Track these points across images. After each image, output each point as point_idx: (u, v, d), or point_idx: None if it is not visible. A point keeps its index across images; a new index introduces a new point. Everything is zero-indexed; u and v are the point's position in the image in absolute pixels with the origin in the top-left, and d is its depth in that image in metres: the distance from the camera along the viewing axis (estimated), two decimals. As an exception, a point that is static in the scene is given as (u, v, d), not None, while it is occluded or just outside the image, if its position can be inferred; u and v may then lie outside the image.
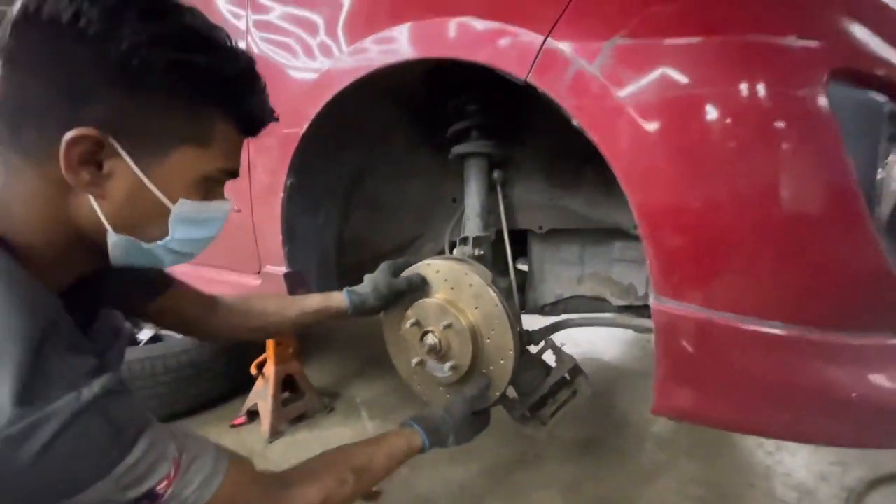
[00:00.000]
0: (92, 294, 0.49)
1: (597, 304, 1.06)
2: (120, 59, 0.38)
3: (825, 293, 0.50)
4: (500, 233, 1.01)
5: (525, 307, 1.11)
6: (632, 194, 0.54)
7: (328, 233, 1.04)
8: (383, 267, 0.85)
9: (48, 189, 0.40)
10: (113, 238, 0.43)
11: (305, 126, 0.84)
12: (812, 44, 0.48)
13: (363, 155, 1.03)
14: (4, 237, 0.38)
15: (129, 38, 0.37)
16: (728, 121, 0.49)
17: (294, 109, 0.84)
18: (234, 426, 1.28)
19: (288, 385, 1.33)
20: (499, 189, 0.98)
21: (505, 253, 1.00)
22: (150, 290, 0.63)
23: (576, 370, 0.94)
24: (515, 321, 0.84)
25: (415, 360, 0.83)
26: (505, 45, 0.59)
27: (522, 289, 1.12)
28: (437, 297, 0.83)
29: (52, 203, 0.40)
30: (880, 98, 0.48)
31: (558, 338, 0.96)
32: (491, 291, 0.80)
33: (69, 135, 0.38)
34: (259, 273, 1.06)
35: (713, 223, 0.51)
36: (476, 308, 0.82)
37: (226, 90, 0.44)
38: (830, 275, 0.50)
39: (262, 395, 1.26)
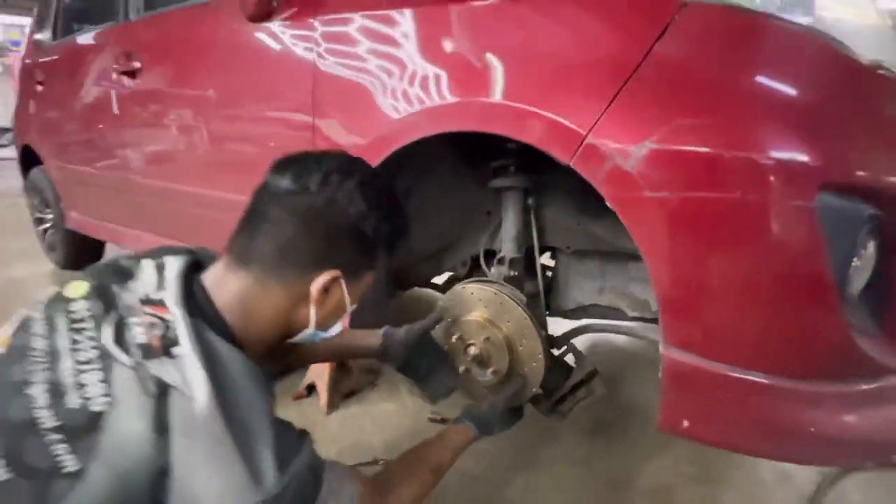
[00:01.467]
0: None
1: (613, 312, 1.20)
2: (369, 233, 0.59)
3: (799, 353, 0.64)
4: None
5: (549, 310, 1.26)
6: (652, 271, 0.67)
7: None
8: (419, 329, 0.97)
9: (287, 302, 0.58)
10: (309, 331, 0.61)
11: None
12: (807, 160, 0.59)
13: (410, 179, 1.15)
14: (231, 330, 0.54)
15: (375, 220, 0.59)
16: (733, 223, 0.61)
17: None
18: (295, 399, 1.50)
19: (339, 364, 1.53)
20: (532, 213, 1.11)
21: (533, 260, 1.15)
22: None
23: (592, 373, 1.10)
24: (542, 329, 1.00)
25: (461, 369, 0.99)
26: (553, 134, 0.70)
27: (548, 292, 1.26)
28: (475, 315, 0.99)
29: (285, 311, 0.59)
30: (862, 204, 0.59)
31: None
32: (520, 308, 0.95)
33: (327, 275, 0.58)
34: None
35: (713, 299, 0.65)
36: (508, 322, 0.98)
37: (405, 239, 0.66)
38: (804, 340, 0.64)
39: (320, 374, 1.47)
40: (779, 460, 0.82)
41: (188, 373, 0.45)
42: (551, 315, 1.26)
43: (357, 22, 0.97)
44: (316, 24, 1.02)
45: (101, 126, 1.82)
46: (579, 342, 1.14)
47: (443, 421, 1.40)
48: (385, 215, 0.60)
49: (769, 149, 0.59)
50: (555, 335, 1.13)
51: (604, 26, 0.70)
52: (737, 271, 0.63)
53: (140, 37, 1.58)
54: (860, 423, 0.64)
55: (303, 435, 0.54)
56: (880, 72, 0.63)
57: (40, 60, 2.39)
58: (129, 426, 0.43)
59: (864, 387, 0.64)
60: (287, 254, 0.56)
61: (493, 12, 0.80)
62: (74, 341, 0.47)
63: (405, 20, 0.90)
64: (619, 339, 1.96)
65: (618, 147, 0.65)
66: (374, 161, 0.93)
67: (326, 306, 0.60)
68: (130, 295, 0.50)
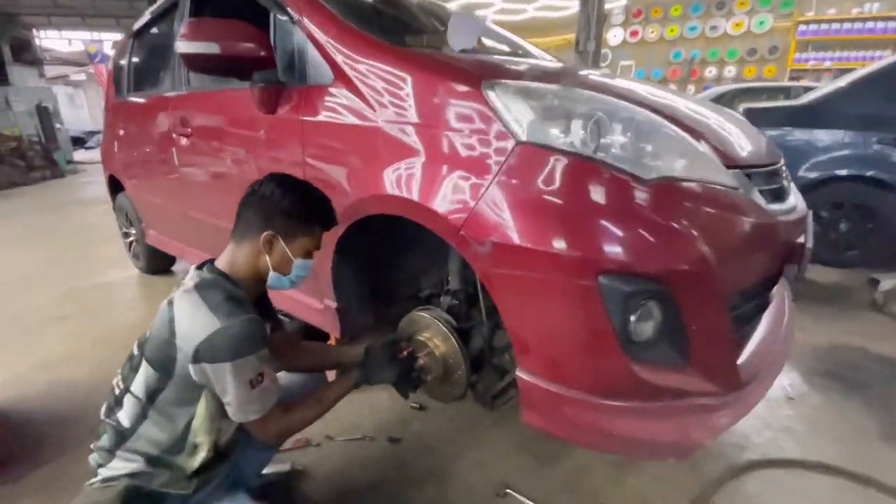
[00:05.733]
0: (264, 311, 1.11)
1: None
2: (287, 209, 1.00)
3: (594, 378, 0.94)
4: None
5: (500, 326, 1.57)
6: (504, 316, 0.99)
7: (361, 280, 1.56)
8: (390, 341, 1.32)
9: (252, 253, 1.01)
10: (271, 274, 1.02)
11: (342, 231, 1.33)
12: (588, 255, 0.88)
13: (389, 226, 1.49)
14: (233, 278, 0.99)
15: (289, 201, 1.00)
16: (547, 294, 0.92)
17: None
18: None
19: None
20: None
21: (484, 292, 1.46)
22: (277, 326, 1.23)
23: (521, 377, 1.42)
24: (464, 349, 1.30)
25: (413, 374, 1.34)
26: (443, 226, 1.03)
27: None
28: (422, 335, 1.34)
29: (252, 259, 1.01)
30: (625, 285, 0.87)
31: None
32: (449, 333, 1.28)
33: (264, 235, 0.99)
34: (322, 303, 1.62)
35: (542, 341, 0.96)
36: (442, 342, 1.31)
37: (323, 216, 1.06)
38: (596, 370, 0.93)
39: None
40: (590, 449, 1.11)
41: (189, 283, 0.96)
42: (501, 329, 1.58)
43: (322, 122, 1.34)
44: (300, 119, 1.40)
45: (166, 171, 2.32)
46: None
47: (420, 408, 1.77)
48: (295, 198, 1.01)
49: (565, 249, 0.89)
50: (496, 346, 1.45)
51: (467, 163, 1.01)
52: (553, 325, 0.93)
53: (191, 107, 2.03)
54: (641, 429, 0.93)
55: (253, 321, 0.91)
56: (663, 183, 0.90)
57: (119, 108, 2.96)
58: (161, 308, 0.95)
59: (647, 404, 0.93)
60: (247, 226, 1.02)
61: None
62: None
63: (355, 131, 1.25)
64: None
65: (477, 239, 0.97)
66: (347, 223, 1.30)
67: (274, 256, 1.01)
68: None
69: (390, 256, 1.63)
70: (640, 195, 0.90)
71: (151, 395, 0.94)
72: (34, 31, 11.86)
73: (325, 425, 1.60)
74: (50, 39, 13.54)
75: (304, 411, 1.05)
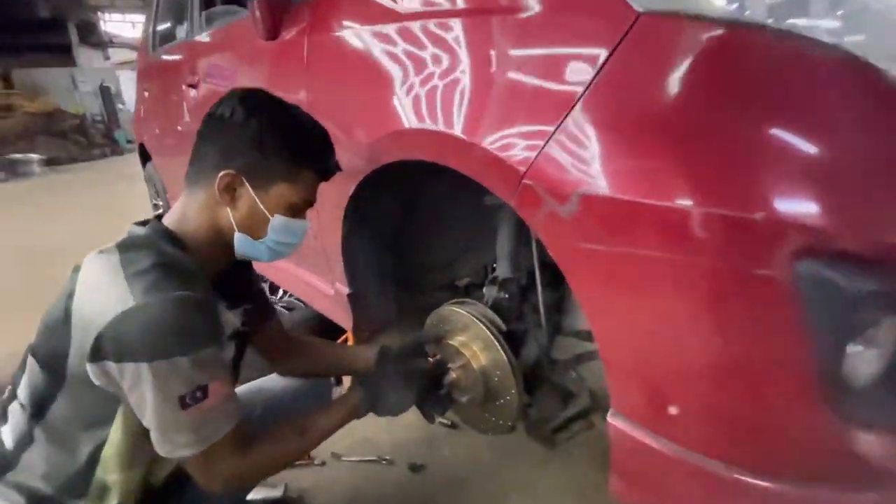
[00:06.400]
0: (237, 293, 0.77)
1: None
2: (256, 138, 0.65)
3: (765, 446, 0.52)
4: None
5: (560, 330, 1.17)
6: (594, 330, 0.59)
7: (382, 260, 1.20)
8: (411, 343, 0.98)
9: (208, 203, 0.69)
10: (237, 235, 0.68)
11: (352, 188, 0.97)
12: (777, 218, 0.46)
13: (412, 190, 1.12)
14: (181, 238, 0.67)
15: (256, 126, 0.65)
16: (684, 289, 0.51)
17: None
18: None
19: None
20: (533, 233, 1.02)
21: (543, 282, 1.06)
22: (265, 313, 0.89)
23: (594, 405, 1.02)
24: (514, 361, 0.91)
25: (443, 392, 0.97)
26: (493, 171, 0.64)
27: (559, 311, 1.17)
28: (455, 339, 0.96)
29: (209, 212, 0.69)
30: (843, 281, 0.45)
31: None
32: (494, 340, 0.90)
33: (220, 174, 0.66)
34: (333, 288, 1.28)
35: (660, 370, 0.55)
36: (483, 351, 0.93)
37: (311, 152, 0.70)
38: (772, 432, 0.52)
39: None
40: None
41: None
42: (564, 335, 1.18)
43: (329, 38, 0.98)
44: (304, 41, 1.04)
45: (180, 130, 2.07)
46: (594, 365, 1.05)
47: (452, 426, 1.41)
48: (266, 121, 0.66)
49: (728, 208, 0.47)
50: (558, 359, 1.06)
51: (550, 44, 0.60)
52: (688, 345, 0.53)
53: (198, 52, 1.74)
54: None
55: (186, 300, 0.59)
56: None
57: (144, 70, 2.77)
58: None
59: (850, 496, 0.51)
60: (201, 165, 0.69)
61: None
62: None
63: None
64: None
65: (554, 191, 0.57)
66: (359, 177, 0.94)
67: (240, 209, 0.68)
68: None
69: (419, 229, 1.26)
70: (879, 109, 0.47)
71: (39, 407, 0.64)
72: (99, 13, 12.40)
73: (332, 439, 1.27)
74: (114, 23, 14.16)
75: (275, 448, 0.71)
